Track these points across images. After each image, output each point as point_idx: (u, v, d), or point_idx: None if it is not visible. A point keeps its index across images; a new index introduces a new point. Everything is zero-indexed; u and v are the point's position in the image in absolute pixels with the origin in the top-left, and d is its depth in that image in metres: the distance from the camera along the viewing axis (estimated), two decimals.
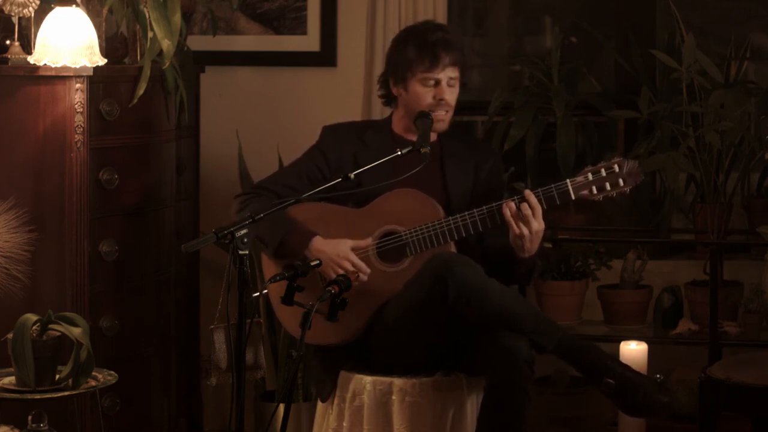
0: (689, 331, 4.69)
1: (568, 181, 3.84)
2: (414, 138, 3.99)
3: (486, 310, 3.69)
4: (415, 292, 3.75)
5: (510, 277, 3.97)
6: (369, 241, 3.89)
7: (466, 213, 3.85)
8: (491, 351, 3.66)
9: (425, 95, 3.98)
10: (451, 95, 3.99)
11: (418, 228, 3.86)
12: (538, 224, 3.80)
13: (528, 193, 3.82)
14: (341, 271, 3.80)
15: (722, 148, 4.66)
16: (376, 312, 3.85)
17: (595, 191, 3.85)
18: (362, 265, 3.84)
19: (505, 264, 3.93)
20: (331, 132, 4.09)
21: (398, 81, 4.03)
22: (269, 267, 3.99)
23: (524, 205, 3.80)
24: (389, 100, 4.10)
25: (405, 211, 3.90)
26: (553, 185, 3.83)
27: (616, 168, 3.84)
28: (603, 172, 3.84)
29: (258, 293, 3.42)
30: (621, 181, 3.84)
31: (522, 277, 3.96)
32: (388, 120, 4.12)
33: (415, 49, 3.99)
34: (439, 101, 3.97)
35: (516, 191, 4.94)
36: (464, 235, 3.85)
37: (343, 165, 3.96)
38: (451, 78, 3.98)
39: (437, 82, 3.97)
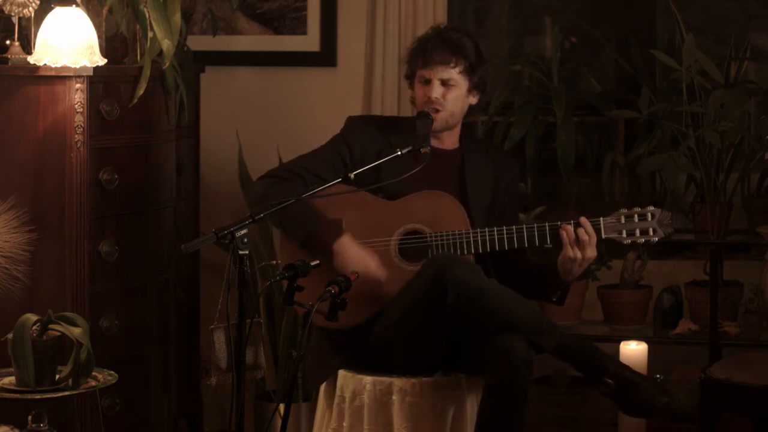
0: (689, 331, 4.70)
1: (601, 219, 3.86)
2: (434, 141, 3.98)
3: (485, 310, 3.69)
4: (414, 293, 3.75)
5: (542, 298, 4.05)
6: (385, 273, 3.87)
7: (495, 228, 3.84)
8: (490, 352, 3.65)
9: (419, 93, 3.99)
10: (443, 95, 3.95)
11: (445, 233, 3.86)
12: (591, 251, 3.84)
13: (584, 220, 3.84)
14: (361, 268, 3.80)
15: (722, 148, 4.66)
16: (384, 306, 3.84)
17: (625, 235, 3.87)
18: (383, 276, 3.84)
19: (539, 284, 3.97)
20: (358, 124, 4.07)
21: (410, 83, 4.05)
22: (286, 254, 3.96)
23: (581, 231, 3.82)
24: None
25: (434, 214, 3.90)
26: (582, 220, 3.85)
27: (649, 216, 3.86)
28: (636, 218, 3.86)
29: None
30: (651, 231, 3.86)
31: (559, 299, 3.99)
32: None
33: (414, 48, 4.02)
34: (426, 99, 3.96)
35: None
36: (489, 249, 3.85)
37: (365, 159, 3.92)
38: (445, 78, 3.95)
39: (427, 81, 3.97)
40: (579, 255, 3.83)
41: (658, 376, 3.84)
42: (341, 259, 3.82)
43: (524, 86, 4.98)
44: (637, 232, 3.86)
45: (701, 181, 4.72)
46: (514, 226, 3.86)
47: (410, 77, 4.04)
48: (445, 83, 3.96)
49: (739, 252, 5.03)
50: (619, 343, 4.51)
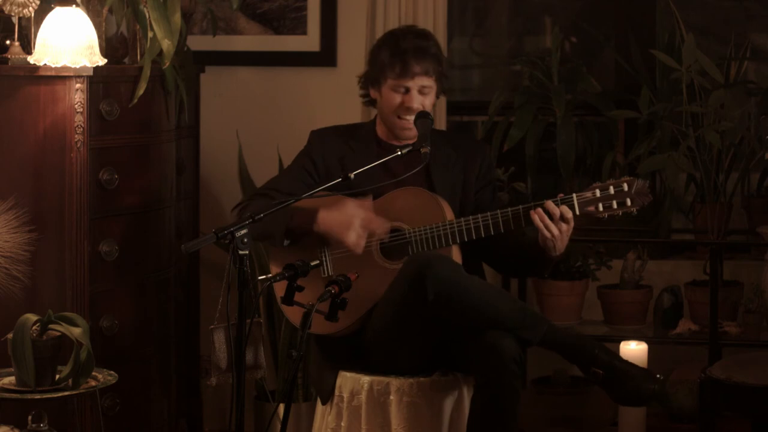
0: (689, 331, 4.70)
1: (574, 195, 3.80)
2: (395, 141, 4.02)
3: (467, 306, 3.68)
4: (396, 294, 3.75)
5: (533, 271, 4.14)
6: (374, 216, 3.87)
7: (470, 217, 3.83)
8: (478, 350, 3.65)
9: (394, 100, 3.99)
10: (422, 103, 3.97)
11: (422, 228, 3.86)
12: (557, 227, 3.78)
13: (549, 203, 3.78)
14: (359, 229, 3.80)
15: (722, 148, 4.66)
16: (371, 308, 3.84)
17: (601, 208, 3.79)
18: (375, 219, 3.84)
19: (527, 265, 3.99)
20: (318, 137, 4.10)
21: (374, 84, 4.05)
22: (278, 263, 3.97)
23: (547, 210, 3.78)
24: (370, 101, 4.10)
25: (412, 209, 3.90)
26: (559, 197, 3.80)
27: (625, 187, 3.78)
28: (611, 190, 3.78)
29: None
30: (628, 201, 3.78)
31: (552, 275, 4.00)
32: (373, 123, 4.13)
33: (388, 55, 4.00)
34: (406, 108, 3.98)
35: (516, 190, 4.94)
36: (467, 239, 3.84)
37: (329, 169, 3.98)
38: (423, 86, 3.97)
39: (407, 90, 3.98)
40: (555, 231, 3.79)
41: (658, 376, 3.83)
42: (330, 232, 3.83)
43: (524, 86, 4.98)
44: (614, 204, 3.78)
45: (701, 181, 4.73)
46: (489, 213, 3.84)
47: (376, 82, 4.03)
48: (421, 91, 3.99)
49: (739, 252, 5.03)
50: (619, 343, 4.51)
